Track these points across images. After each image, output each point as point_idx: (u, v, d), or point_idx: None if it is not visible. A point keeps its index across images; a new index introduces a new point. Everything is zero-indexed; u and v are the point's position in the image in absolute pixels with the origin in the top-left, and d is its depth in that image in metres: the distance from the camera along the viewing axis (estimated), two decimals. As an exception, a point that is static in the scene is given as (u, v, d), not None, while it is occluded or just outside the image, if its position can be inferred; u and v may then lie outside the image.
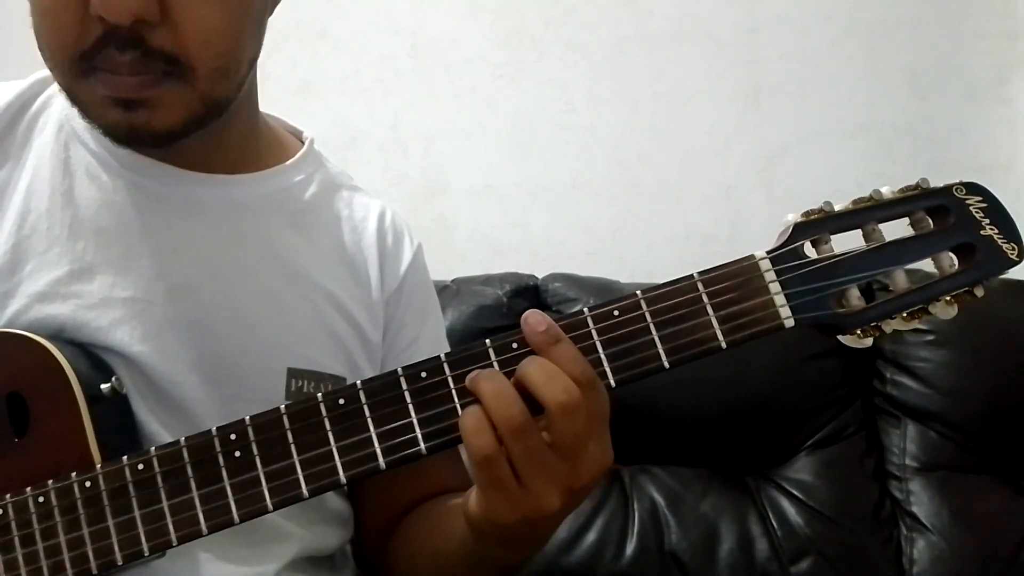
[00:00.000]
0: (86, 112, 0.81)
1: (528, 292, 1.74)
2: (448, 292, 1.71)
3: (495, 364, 0.72)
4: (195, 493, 0.73)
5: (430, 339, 1.03)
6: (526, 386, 0.69)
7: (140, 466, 0.74)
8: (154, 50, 0.76)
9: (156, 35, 0.75)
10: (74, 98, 0.80)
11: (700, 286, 0.72)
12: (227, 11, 0.78)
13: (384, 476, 0.74)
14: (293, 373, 0.89)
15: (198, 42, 0.77)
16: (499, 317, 1.68)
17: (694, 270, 0.74)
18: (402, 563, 0.97)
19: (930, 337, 1.60)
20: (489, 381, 0.70)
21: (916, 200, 0.74)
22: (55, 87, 0.92)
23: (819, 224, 0.73)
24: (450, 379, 0.72)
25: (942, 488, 1.55)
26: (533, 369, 0.69)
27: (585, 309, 0.73)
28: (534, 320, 0.71)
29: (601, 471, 0.72)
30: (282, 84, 1.99)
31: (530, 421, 0.68)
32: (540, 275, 1.78)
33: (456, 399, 0.72)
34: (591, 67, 2.04)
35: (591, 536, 1.54)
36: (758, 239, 0.76)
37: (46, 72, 0.93)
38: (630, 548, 1.53)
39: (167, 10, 0.75)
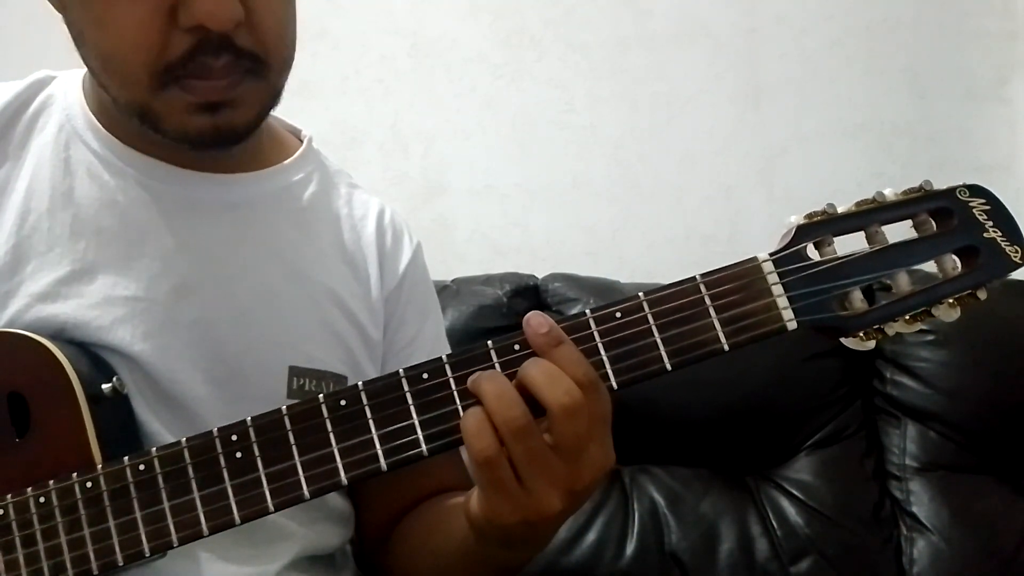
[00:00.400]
0: (162, 123, 0.81)
1: (528, 292, 1.74)
2: (448, 292, 1.71)
3: (497, 365, 0.72)
4: (196, 494, 0.73)
5: (430, 337, 1.03)
6: (528, 388, 0.69)
7: (141, 466, 0.74)
8: (242, 50, 0.78)
9: (241, 36, 0.78)
10: (147, 112, 0.81)
11: (702, 288, 0.72)
12: (289, 5, 0.84)
13: (385, 476, 0.73)
14: (295, 371, 0.89)
15: (275, 38, 0.81)
16: (499, 317, 1.68)
17: (694, 270, 0.73)
18: (402, 562, 0.97)
19: (930, 337, 1.60)
20: (491, 382, 0.69)
21: (919, 202, 0.74)
22: (55, 87, 0.92)
23: (822, 226, 0.73)
24: (452, 380, 0.72)
25: (942, 488, 1.55)
26: (535, 371, 0.69)
27: (587, 310, 0.73)
28: (536, 322, 0.71)
29: (603, 472, 0.72)
30: (282, 83, 1.99)
31: (532, 423, 0.68)
32: (540, 275, 1.78)
33: (458, 400, 0.72)
34: (591, 67, 2.04)
35: (591, 536, 1.54)
36: (758, 239, 0.76)
37: (44, 72, 0.93)
38: (630, 548, 1.53)
39: (249, 10, 0.77)
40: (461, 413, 0.71)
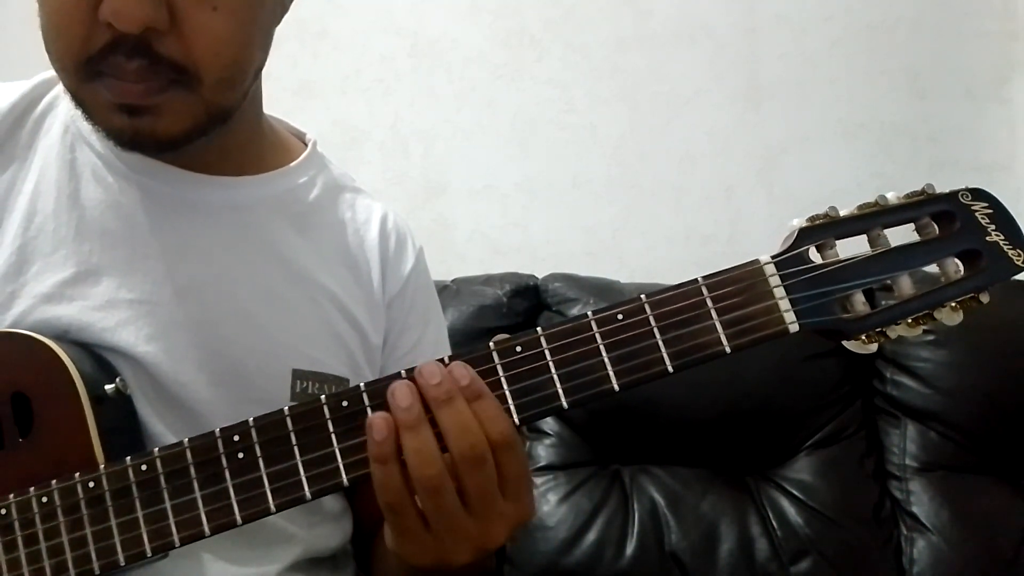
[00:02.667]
0: (90, 115, 0.80)
1: (528, 292, 1.74)
2: (448, 292, 1.71)
3: (498, 367, 0.72)
4: (198, 494, 0.73)
5: (432, 342, 1.03)
6: (441, 431, 0.69)
7: (143, 467, 0.74)
8: (162, 58, 0.75)
9: (164, 43, 0.75)
10: (79, 101, 0.80)
11: (704, 290, 0.72)
12: (236, 22, 0.78)
13: None
14: (298, 374, 0.89)
15: (206, 52, 0.77)
16: (499, 317, 1.68)
17: (694, 270, 0.73)
18: (378, 562, 0.98)
19: (930, 337, 1.60)
20: (414, 437, 0.68)
21: (921, 206, 0.74)
22: (61, 88, 0.92)
23: (824, 229, 0.73)
24: (452, 381, 0.72)
25: (942, 488, 1.55)
26: (448, 419, 0.69)
27: (589, 312, 0.72)
28: (459, 373, 0.70)
29: (519, 527, 0.73)
30: (282, 84, 1.99)
31: (446, 481, 0.68)
32: (540, 275, 1.79)
33: (459, 401, 0.72)
34: (591, 67, 2.04)
35: (591, 536, 1.54)
36: (758, 239, 0.77)
37: (50, 73, 0.93)
38: (630, 548, 1.53)
39: (176, 19, 0.74)
40: None
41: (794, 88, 2.00)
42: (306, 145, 1.02)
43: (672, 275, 0.74)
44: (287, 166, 0.97)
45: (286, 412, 0.73)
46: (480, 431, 0.69)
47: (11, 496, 0.76)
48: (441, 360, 0.73)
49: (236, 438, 0.73)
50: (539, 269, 1.80)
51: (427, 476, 0.68)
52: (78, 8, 0.73)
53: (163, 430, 0.83)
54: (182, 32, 0.75)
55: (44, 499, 0.75)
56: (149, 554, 0.73)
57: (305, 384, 0.89)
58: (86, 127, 0.88)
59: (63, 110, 0.91)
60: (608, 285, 1.72)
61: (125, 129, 0.79)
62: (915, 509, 1.54)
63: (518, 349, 0.72)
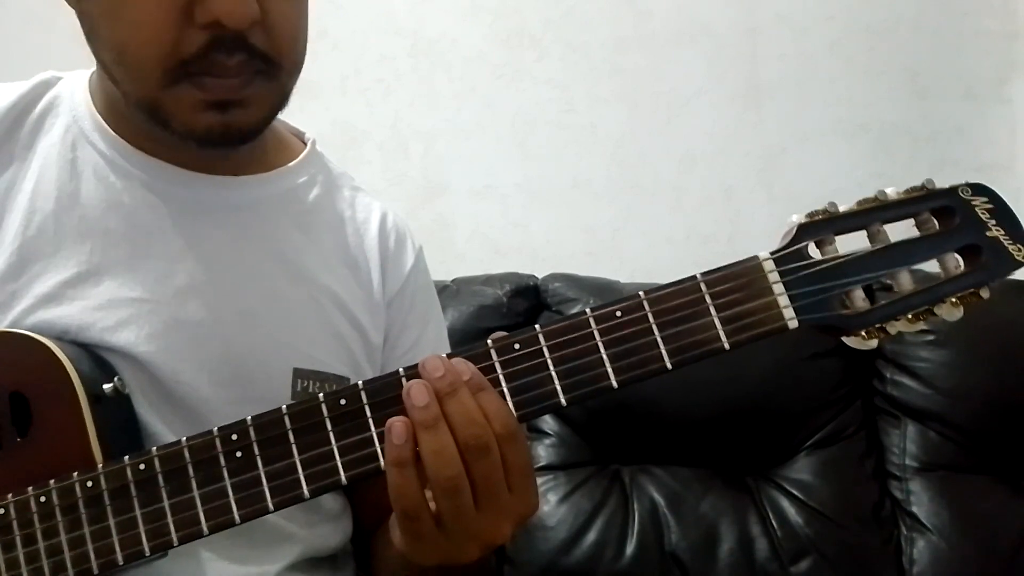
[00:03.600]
0: (170, 119, 0.81)
1: (528, 292, 1.74)
2: (448, 292, 1.71)
3: (496, 364, 0.72)
4: (196, 493, 0.73)
5: (432, 341, 1.03)
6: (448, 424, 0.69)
7: (141, 466, 0.74)
8: (256, 50, 0.79)
9: (256, 36, 0.78)
10: (156, 107, 0.81)
11: (703, 287, 0.72)
12: (302, 9, 0.84)
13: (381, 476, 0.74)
14: (299, 373, 0.89)
15: (288, 40, 0.82)
16: (499, 317, 1.68)
17: (694, 270, 0.73)
18: (378, 560, 0.98)
19: (930, 337, 1.60)
20: (434, 438, 0.68)
21: (921, 201, 0.74)
22: (61, 88, 0.92)
23: (823, 225, 0.73)
24: (452, 380, 0.72)
25: (942, 488, 1.55)
26: (455, 409, 0.69)
27: (587, 309, 0.72)
28: (462, 368, 0.70)
29: (523, 521, 0.73)
30: (282, 83, 1.99)
31: (464, 481, 0.68)
32: (540, 275, 1.79)
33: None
34: (591, 67, 2.04)
35: (591, 536, 1.54)
36: (758, 239, 0.76)
37: (49, 73, 0.93)
38: (630, 548, 1.53)
39: (264, 11, 0.78)
40: None
41: (794, 88, 2.00)
42: (305, 144, 1.02)
43: (672, 275, 0.74)
44: (287, 165, 0.97)
45: (284, 411, 0.73)
46: (485, 422, 0.69)
47: (9, 496, 0.75)
48: (444, 354, 0.73)
49: (234, 437, 0.73)
50: (539, 269, 1.80)
51: (446, 477, 0.68)
52: (170, 14, 0.75)
53: (163, 429, 0.83)
54: (268, 24, 0.79)
55: (42, 499, 0.75)
56: (147, 553, 0.73)
57: (306, 383, 0.89)
58: (89, 125, 0.88)
59: (65, 109, 0.91)
60: (608, 285, 1.72)
61: (215, 125, 0.81)
62: (915, 509, 1.54)
63: (516, 347, 0.72)
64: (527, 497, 0.72)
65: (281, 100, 0.86)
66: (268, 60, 0.80)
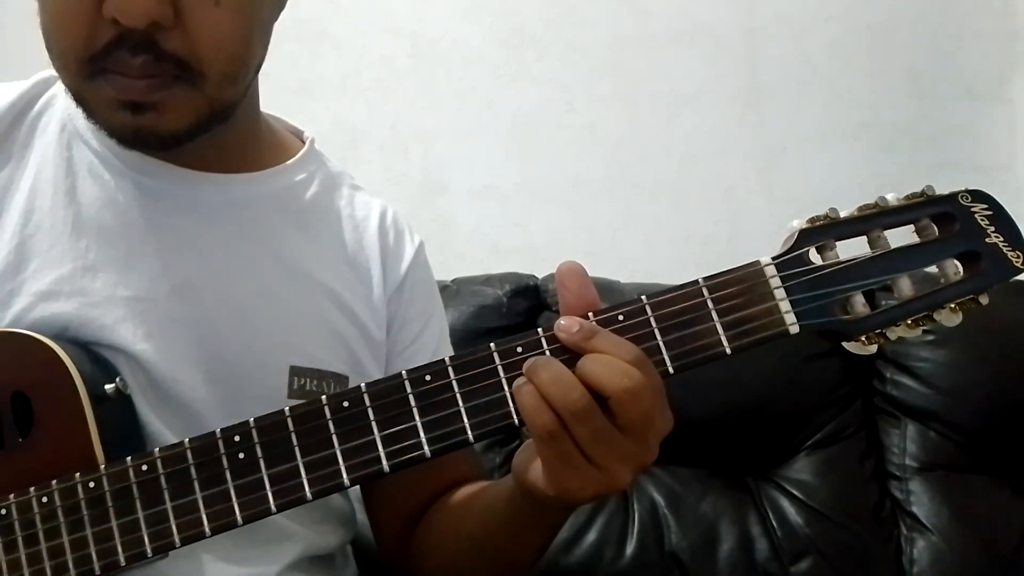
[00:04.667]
0: (92, 113, 0.81)
1: (528, 292, 1.74)
2: (448, 292, 1.71)
3: (499, 368, 0.72)
4: (199, 494, 0.73)
5: (434, 335, 1.03)
6: (587, 382, 0.69)
7: (144, 467, 0.74)
8: (166, 53, 0.76)
9: (168, 39, 0.75)
10: (80, 99, 0.80)
11: (705, 292, 0.72)
12: (238, 16, 0.79)
13: (401, 476, 0.74)
14: (295, 371, 0.89)
15: (210, 47, 0.77)
16: (499, 317, 1.68)
17: (694, 270, 0.74)
18: (432, 554, 0.97)
19: (930, 337, 1.60)
20: (546, 369, 0.69)
21: (921, 207, 0.74)
22: (58, 87, 0.92)
23: (824, 231, 0.73)
24: (454, 383, 0.73)
25: (942, 488, 1.55)
26: (589, 364, 0.69)
27: (590, 313, 0.73)
28: (566, 324, 0.72)
29: (664, 436, 0.72)
30: (282, 84, 1.99)
31: (592, 403, 0.68)
32: (540, 275, 1.78)
33: (460, 403, 0.72)
34: (591, 67, 2.04)
35: (591, 536, 1.54)
36: (758, 240, 0.76)
37: (48, 72, 0.93)
38: (630, 548, 1.53)
39: (180, 14, 0.75)
40: (463, 416, 0.72)
41: (794, 88, 2.00)
42: (303, 143, 1.02)
43: (672, 275, 0.74)
44: (285, 163, 0.97)
45: (287, 413, 0.73)
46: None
47: (11, 496, 0.76)
48: (442, 360, 0.73)
49: (237, 438, 0.73)
50: (539, 269, 1.80)
51: (572, 400, 0.68)
52: (81, 6, 0.74)
53: (160, 428, 0.83)
54: (186, 27, 0.75)
55: (44, 499, 0.75)
56: (150, 554, 0.74)
57: (303, 381, 0.90)
58: (83, 124, 0.88)
59: (60, 108, 0.91)
60: (608, 285, 1.71)
61: (128, 126, 0.79)
62: (915, 509, 1.54)
63: (519, 350, 0.72)
64: (666, 415, 0.72)
65: (210, 110, 0.81)
66: (184, 65, 0.77)
